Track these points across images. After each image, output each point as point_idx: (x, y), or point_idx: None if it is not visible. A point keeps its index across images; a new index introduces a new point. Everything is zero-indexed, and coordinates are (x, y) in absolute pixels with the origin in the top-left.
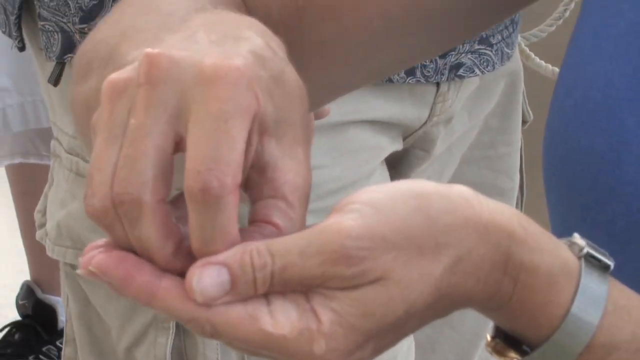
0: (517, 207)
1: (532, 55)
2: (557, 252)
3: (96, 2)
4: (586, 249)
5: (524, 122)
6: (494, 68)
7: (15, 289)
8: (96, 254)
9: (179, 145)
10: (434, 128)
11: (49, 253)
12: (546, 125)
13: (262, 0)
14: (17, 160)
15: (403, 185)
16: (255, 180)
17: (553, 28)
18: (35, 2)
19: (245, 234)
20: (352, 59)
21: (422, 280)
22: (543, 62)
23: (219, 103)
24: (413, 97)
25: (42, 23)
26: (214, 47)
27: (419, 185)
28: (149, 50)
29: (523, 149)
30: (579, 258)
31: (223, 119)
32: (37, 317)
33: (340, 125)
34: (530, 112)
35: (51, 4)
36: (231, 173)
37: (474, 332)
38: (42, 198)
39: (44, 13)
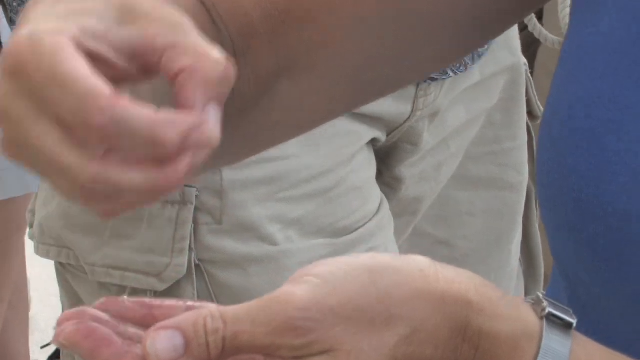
0: (529, 199)
1: None
2: (517, 316)
3: None
4: (548, 309)
5: (535, 117)
6: (466, 69)
7: None
8: (68, 326)
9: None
10: (419, 122)
11: (35, 252)
12: (538, 144)
13: (241, 8)
14: None
15: (358, 259)
16: (146, 65)
17: None
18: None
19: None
20: (337, 68)
21: (374, 351)
22: None
23: (34, 73)
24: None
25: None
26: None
27: (373, 260)
28: None
29: (535, 142)
30: (541, 318)
31: (51, 75)
32: None
33: None
34: (541, 107)
35: (19, 8)
36: (94, 91)
37: None
38: (33, 197)
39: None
